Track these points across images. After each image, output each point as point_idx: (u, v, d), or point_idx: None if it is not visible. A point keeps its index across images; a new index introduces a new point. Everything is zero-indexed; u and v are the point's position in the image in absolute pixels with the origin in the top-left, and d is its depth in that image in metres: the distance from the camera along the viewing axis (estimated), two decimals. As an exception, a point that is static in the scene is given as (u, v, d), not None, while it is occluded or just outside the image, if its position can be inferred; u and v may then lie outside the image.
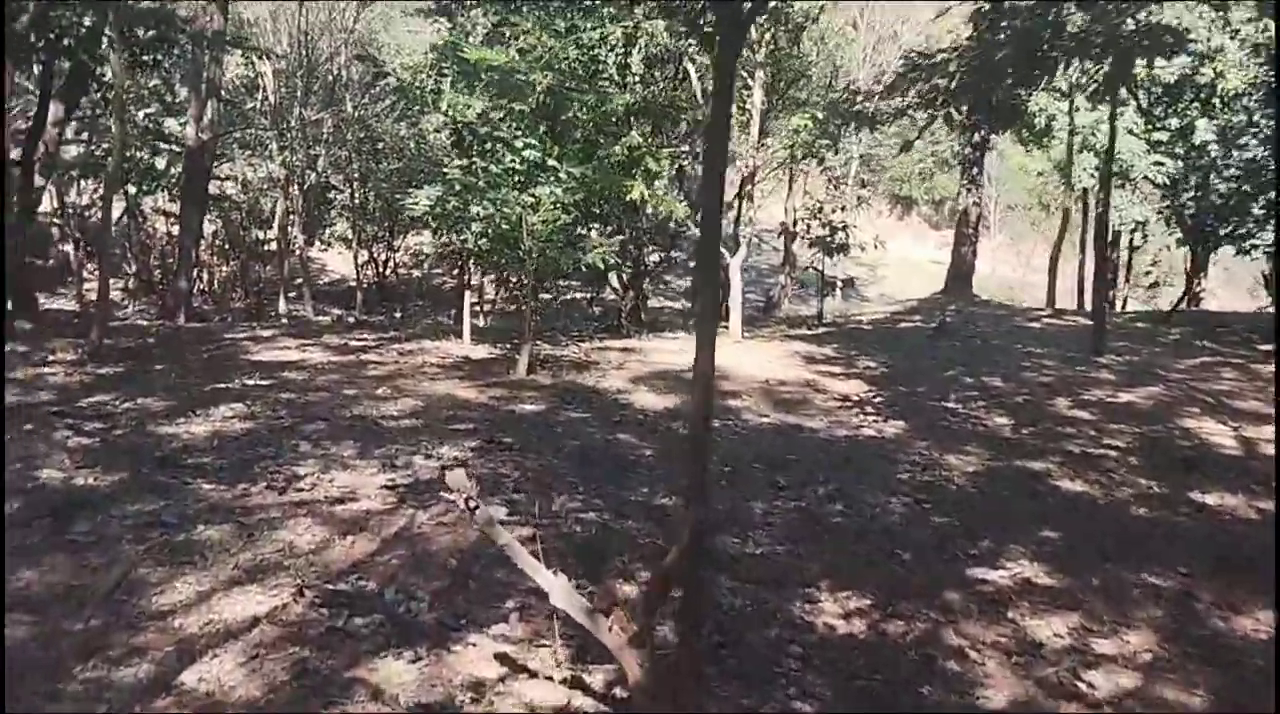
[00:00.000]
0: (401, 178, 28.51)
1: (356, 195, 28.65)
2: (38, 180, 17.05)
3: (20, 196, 14.91)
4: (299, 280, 29.32)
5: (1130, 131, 21.92)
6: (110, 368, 10.68)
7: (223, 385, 10.16)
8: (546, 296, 12.64)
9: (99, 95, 20.76)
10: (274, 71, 27.92)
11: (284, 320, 27.50)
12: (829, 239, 18.02)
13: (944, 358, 14.52)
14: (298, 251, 29.12)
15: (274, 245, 31.16)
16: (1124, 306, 28.87)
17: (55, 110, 16.90)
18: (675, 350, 14.25)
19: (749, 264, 19.59)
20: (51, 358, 10.97)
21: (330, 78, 27.94)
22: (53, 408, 8.75)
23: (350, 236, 30.67)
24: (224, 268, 32.02)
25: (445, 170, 12.24)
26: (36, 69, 16.61)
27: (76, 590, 5.31)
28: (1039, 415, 10.94)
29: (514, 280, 12.39)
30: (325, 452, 7.92)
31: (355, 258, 30.82)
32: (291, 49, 26.31)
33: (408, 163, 29.12)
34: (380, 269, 31.37)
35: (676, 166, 15.93)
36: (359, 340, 13.96)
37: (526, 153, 12.03)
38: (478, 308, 25.73)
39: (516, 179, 11.72)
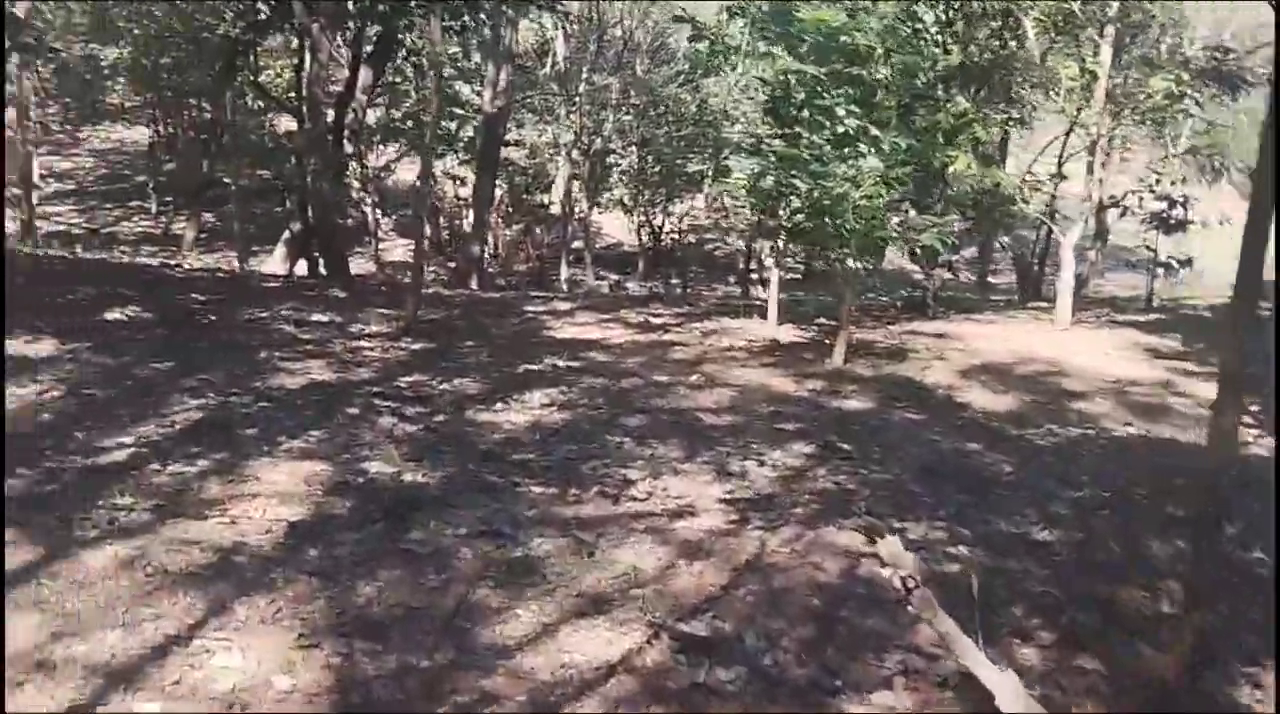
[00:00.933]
0: (683, 143, 28.24)
1: (636, 160, 28.49)
2: (347, 147, 17.49)
3: (330, 160, 15.21)
4: (576, 244, 29.51)
5: None
6: (422, 343, 10.53)
7: (533, 366, 9.79)
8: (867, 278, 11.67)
9: (402, 61, 21.28)
10: (564, 36, 28.01)
11: (564, 285, 27.83)
12: (1167, 215, 16.10)
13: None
14: (580, 216, 29.27)
15: (555, 209, 31.53)
16: None
17: (365, 77, 17.24)
18: (994, 336, 12.99)
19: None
20: (366, 331, 10.96)
21: (620, 42, 27.69)
22: (373, 388, 8.56)
23: (628, 202, 30.66)
24: (508, 232, 32.73)
25: (763, 142, 11.42)
26: (348, 35, 16.84)
27: (417, 613, 4.86)
28: None
29: (831, 258, 11.29)
30: (652, 451, 7.31)
31: (639, 224, 30.73)
32: (585, 10, 26.17)
33: (692, 128, 28.79)
34: (656, 234, 31.21)
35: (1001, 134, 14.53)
36: (657, 317, 13.44)
37: (849, 121, 11.07)
38: (755, 277, 25.09)
39: (841, 151, 10.78)
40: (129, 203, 34.11)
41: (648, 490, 6.56)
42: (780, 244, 12.57)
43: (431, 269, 28.96)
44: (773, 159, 11.42)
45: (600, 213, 31.13)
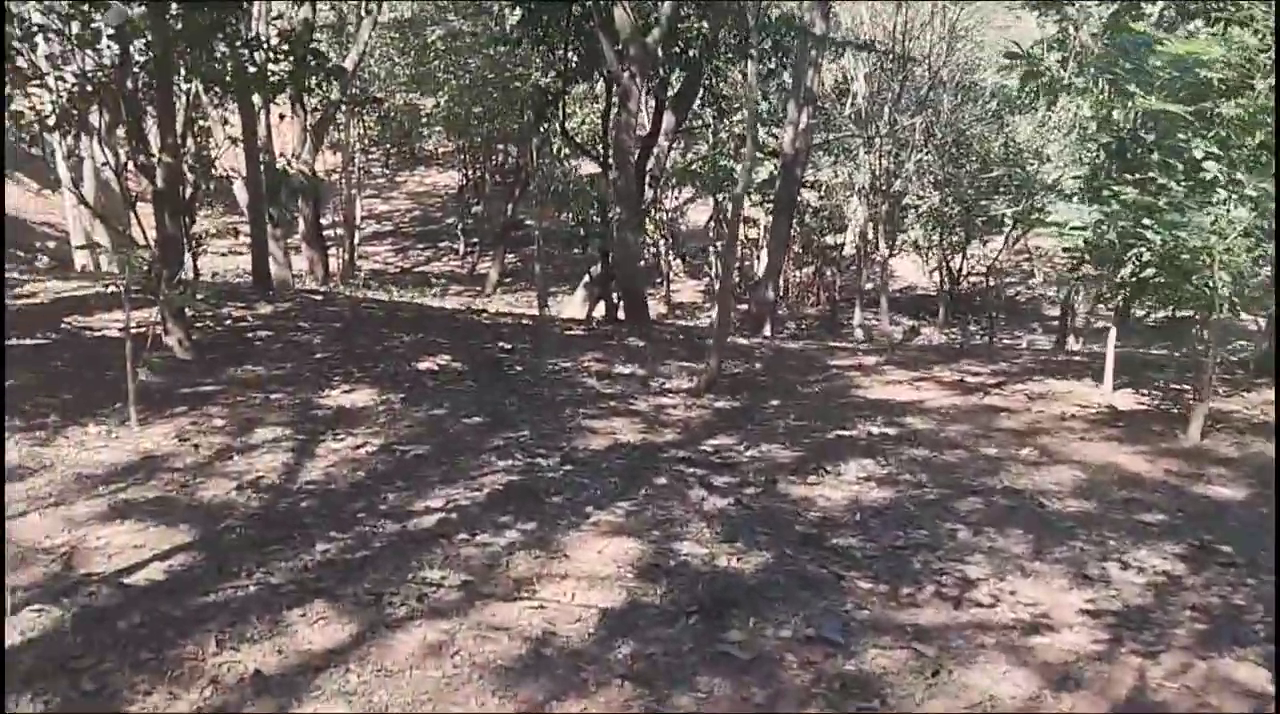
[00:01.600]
0: (986, 183, 26.80)
1: (936, 201, 27.31)
2: (648, 192, 17.45)
3: (635, 209, 15.11)
4: (869, 286, 28.53)
5: None
6: (725, 401, 10.08)
7: (845, 431, 9.11)
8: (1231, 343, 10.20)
9: (702, 106, 21.20)
10: (865, 75, 27.28)
11: (858, 330, 26.93)
12: None
13: None
14: (878, 259, 28.34)
15: (848, 250, 30.69)
16: None
17: (668, 121, 17.16)
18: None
19: None
20: (667, 385, 10.62)
21: (925, 78, 26.66)
22: (679, 452, 8.13)
23: (924, 243, 29.46)
24: (798, 274, 32.20)
25: (1112, 188, 10.25)
26: (653, 81, 16.79)
27: (739, 734, 4.29)
28: None
29: (1190, 314, 9.99)
30: (992, 544, 6.45)
31: (936, 267, 29.48)
32: (889, 47, 25.37)
33: (999, 168, 27.33)
34: (954, 277, 29.82)
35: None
36: (974, 376, 12.41)
37: (1209, 164, 9.77)
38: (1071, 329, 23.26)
39: (1199, 198, 9.50)
40: (439, 243, 36.04)
41: (992, 594, 5.72)
42: (1119, 302, 11.27)
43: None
44: (1116, 207, 10.25)
45: (894, 256, 30.06)
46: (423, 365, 10.25)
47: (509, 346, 11.69)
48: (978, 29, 29.72)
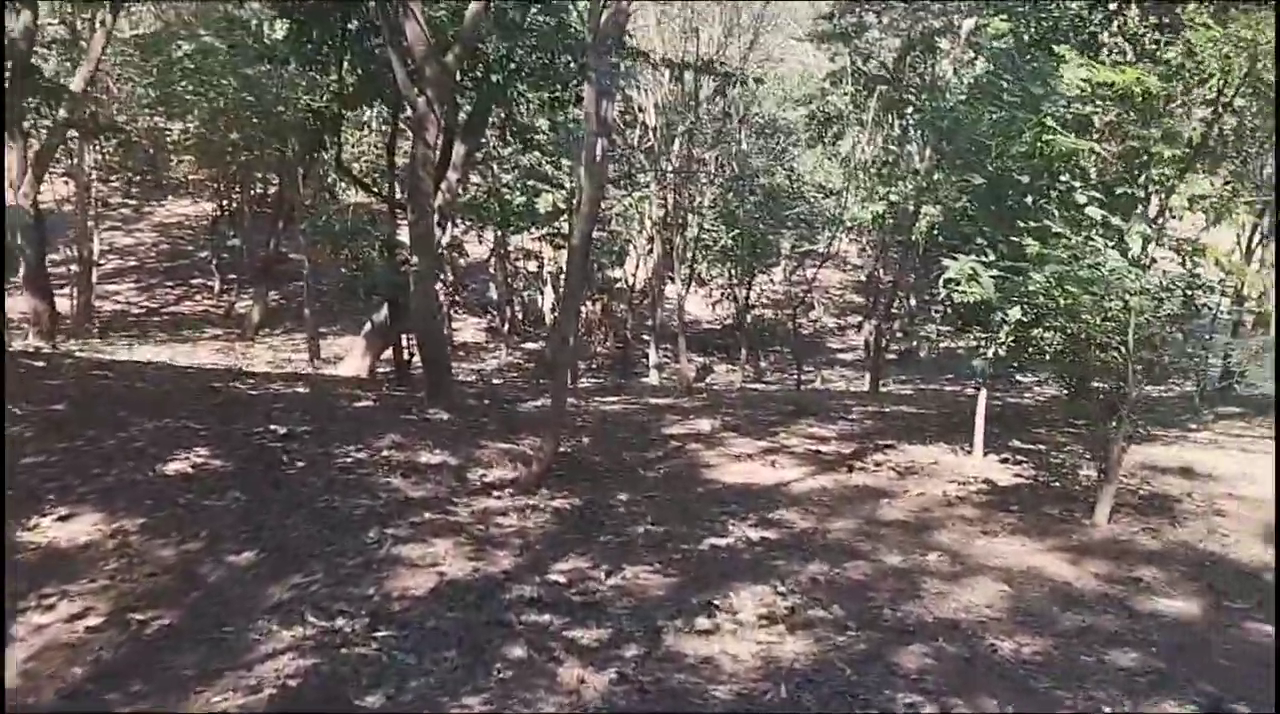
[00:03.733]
0: (769, 216, 26.11)
1: (723, 235, 26.42)
2: (438, 231, 15.43)
3: (434, 260, 13.04)
4: (649, 322, 27.26)
5: None
6: (563, 497, 8.23)
7: (720, 538, 7.45)
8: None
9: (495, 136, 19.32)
10: (655, 106, 26.06)
11: (653, 370, 25.56)
12: None
13: None
14: (670, 294, 27.18)
15: (637, 285, 29.30)
16: None
17: (459, 152, 15.20)
18: (1253, 470, 10.41)
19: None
20: (488, 477, 8.68)
21: (722, 114, 25.68)
22: (526, 590, 6.23)
23: (708, 277, 28.62)
24: (585, 309, 30.56)
25: (992, 235, 9.08)
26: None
27: None
28: None
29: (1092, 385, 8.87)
30: (964, 727, 4.89)
31: (720, 300, 28.73)
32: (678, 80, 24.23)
33: (787, 201, 26.75)
34: (743, 310, 28.99)
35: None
36: (822, 440, 11.04)
37: (1091, 210, 8.74)
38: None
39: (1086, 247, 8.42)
40: (191, 280, 32.46)
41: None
42: (991, 358, 10.09)
43: (509, 355, 26.99)
44: (990, 257, 9.10)
45: (687, 292, 28.99)
46: (171, 467, 7.87)
47: (284, 430, 9.42)
48: (770, 63, 29.23)
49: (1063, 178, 9.18)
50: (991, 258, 9.21)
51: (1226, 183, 11.68)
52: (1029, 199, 9.44)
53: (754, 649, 5.57)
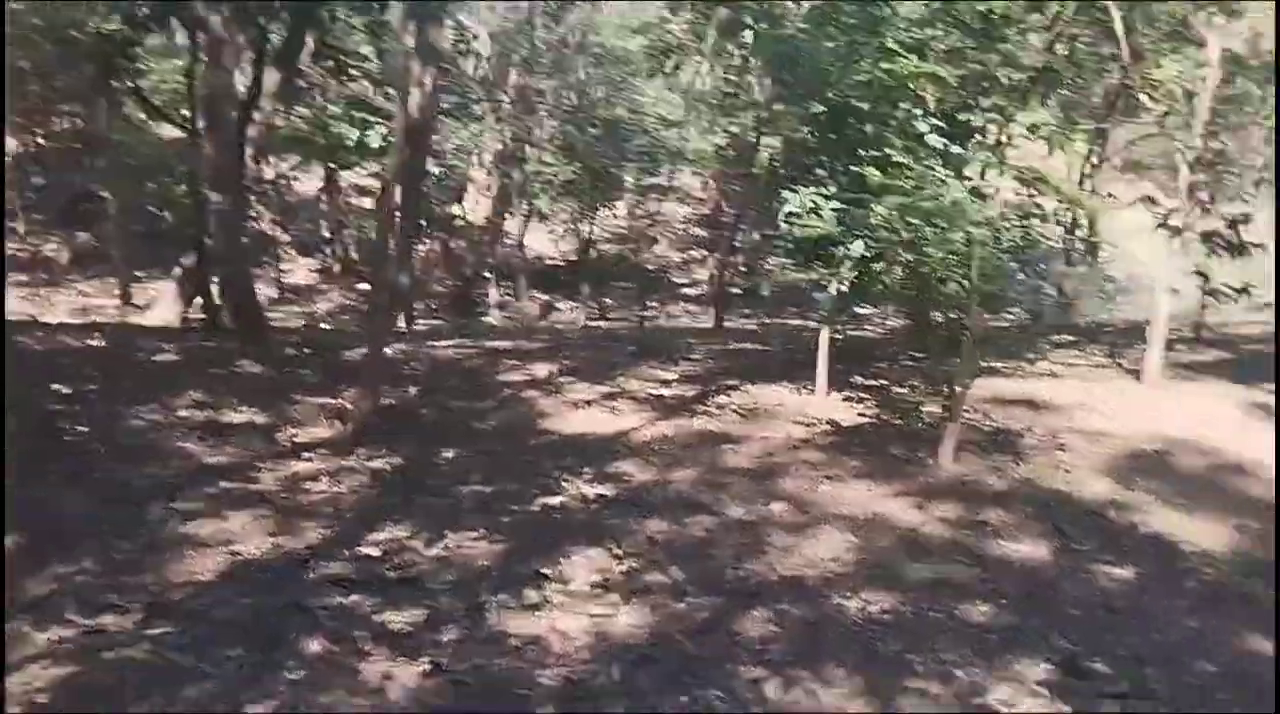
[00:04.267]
0: (611, 149, 25.49)
1: (564, 168, 25.70)
2: (250, 164, 14.34)
3: (239, 196, 12.01)
4: (489, 260, 26.44)
5: None
6: (383, 457, 7.56)
7: (553, 496, 6.91)
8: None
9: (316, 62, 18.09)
10: (488, 34, 24.98)
11: (494, 310, 24.80)
12: (1228, 237, 13.72)
13: None
14: (509, 231, 26.37)
15: (476, 222, 28.33)
16: None
17: (271, 80, 14.06)
18: (1089, 401, 10.45)
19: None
20: (300, 437, 7.93)
21: (559, 42, 24.76)
22: (333, 568, 5.58)
23: (545, 211, 27.88)
24: (423, 247, 29.46)
25: (835, 166, 8.68)
26: (250, 32, 13.53)
27: None
28: None
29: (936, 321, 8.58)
30: (810, 692, 4.50)
31: (564, 235, 28.14)
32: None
33: (624, 133, 26.15)
34: (587, 247, 28.40)
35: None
36: (664, 383, 10.61)
37: (932, 139, 8.40)
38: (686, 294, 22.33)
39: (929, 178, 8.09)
40: (-8, 223, 29.87)
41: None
42: (835, 295, 9.74)
43: (344, 297, 25.76)
44: (832, 189, 8.73)
45: (527, 228, 28.21)
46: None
47: (68, 390, 8.44)
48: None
49: (903, 105, 8.82)
50: (833, 190, 8.86)
51: (1066, 111, 11.63)
52: (869, 128, 9.08)
53: (586, 624, 5.07)
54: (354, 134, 22.12)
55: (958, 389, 8.11)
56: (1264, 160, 14.45)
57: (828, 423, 9.19)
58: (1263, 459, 8.57)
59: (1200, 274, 15.02)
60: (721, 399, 9.96)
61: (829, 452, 8.32)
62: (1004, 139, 9.52)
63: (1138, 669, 4.83)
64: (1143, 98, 11.28)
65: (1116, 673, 4.78)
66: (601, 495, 6.98)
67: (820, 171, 9.01)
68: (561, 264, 29.82)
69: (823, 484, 7.48)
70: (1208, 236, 13.62)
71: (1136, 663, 4.90)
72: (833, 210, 8.46)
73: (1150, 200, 12.12)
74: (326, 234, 28.48)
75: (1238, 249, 13.94)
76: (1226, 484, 7.92)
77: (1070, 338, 15.12)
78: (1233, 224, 13.73)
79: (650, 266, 30.65)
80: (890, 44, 8.16)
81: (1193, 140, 11.24)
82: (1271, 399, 11.03)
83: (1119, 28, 10.78)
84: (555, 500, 6.86)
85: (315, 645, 4.63)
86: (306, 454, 7.53)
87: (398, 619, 5.00)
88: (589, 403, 9.62)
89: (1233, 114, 12.30)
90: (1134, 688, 4.66)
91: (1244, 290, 14.72)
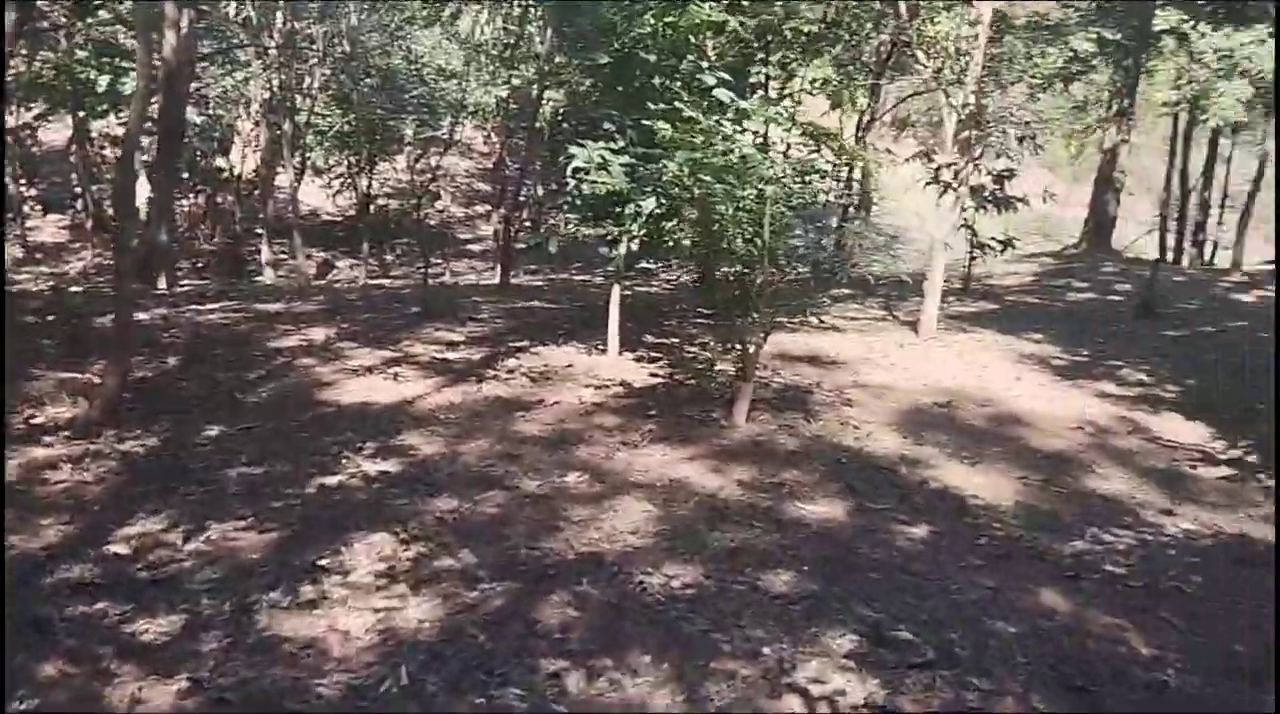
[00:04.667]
0: (388, 100, 24.49)
1: (338, 119, 24.53)
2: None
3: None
4: (261, 216, 25.04)
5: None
6: (136, 439, 6.84)
7: (332, 476, 6.39)
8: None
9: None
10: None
11: (267, 268, 23.54)
12: (993, 191, 14.26)
13: (1205, 360, 11.06)
14: (282, 185, 24.98)
15: (240, 173, 26.75)
16: (1211, 256, 25.79)
17: (9, 19, 12.60)
18: (871, 355, 10.65)
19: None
20: (39, 419, 7.09)
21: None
22: (75, 571, 4.93)
23: (321, 164, 26.62)
24: (187, 202, 27.65)
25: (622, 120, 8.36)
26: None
27: None
28: None
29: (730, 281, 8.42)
30: (619, 691, 4.23)
31: (339, 190, 26.94)
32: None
33: (401, 84, 25.16)
34: (366, 201, 27.30)
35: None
36: (451, 346, 10.14)
37: (720, 92, 8.18)
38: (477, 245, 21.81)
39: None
40: None
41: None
42: (623, 253, 9.48)
43: (97, 255, 23.84)
44: (620, 143, 8.43)
45: (299, 181, 26.80)
46: None
47: None
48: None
49: (689, 58, 8.61)
50: (621, 144, 8.55)
51: (843, 67, 11.69)
52: (656, 81, 8.81)
53: (370, 621, 4.64)
54: (104, 80, 20.31)
55: (750, 348, 8.00)
56: (1029, 117, 15.10)
57: (621, 385, 8.95)
58: (1036, 408, 8.90)
59: (969, 228, 15.62)
60: (511, 362, 9.58)
61: (623, 415, 8.08)
62: (789, 94, 9.47)
63: (941, 634, 4.78)
64: (919, 54, 11.42)
65: (921, 640, 4.71)
66: (384, 473, 6.51)
67: (608, 125, 8.67)
68: (339, 220, 28.52)
69: (619, 451, 7.23)
70: (976, 191, 14.06)
71: (939, 627, 4.86)
72: (622, 166, 8.15)
73: (926, 156, 12.35)
74: (76, 189, 26.24)
75: (1004, 204, 14.52)
76: (1005, 435, 8.13)
77: (848, 292, 15.45)
78: (999, 179, 14.28)
79: (433, 222, 29.72)
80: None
81: (965, 97, 11.52)
82: (1038, 347, 11.57)
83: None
84: (333, 480, 6.35)
85: (50, 669, 4.03)
86: (46, 438, 6.72)
87: (151, 629, 4.45)
88: (370, 370, 9.05)
89: (1003, 71, 12.65)
90: (939, 655, 4.60)
91: (1009, 243, 15.39)
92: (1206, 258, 25.70)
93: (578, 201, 9.62)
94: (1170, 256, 24.05)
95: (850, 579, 5.36)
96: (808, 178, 8.37)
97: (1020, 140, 16.41)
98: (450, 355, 9.80)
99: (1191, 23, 18.41)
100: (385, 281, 23.06)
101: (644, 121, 8.07)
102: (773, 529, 5.97)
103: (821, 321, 10.34)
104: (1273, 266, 21.11)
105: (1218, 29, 18.96)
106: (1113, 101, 21.08)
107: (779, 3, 8.78)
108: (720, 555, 5.56)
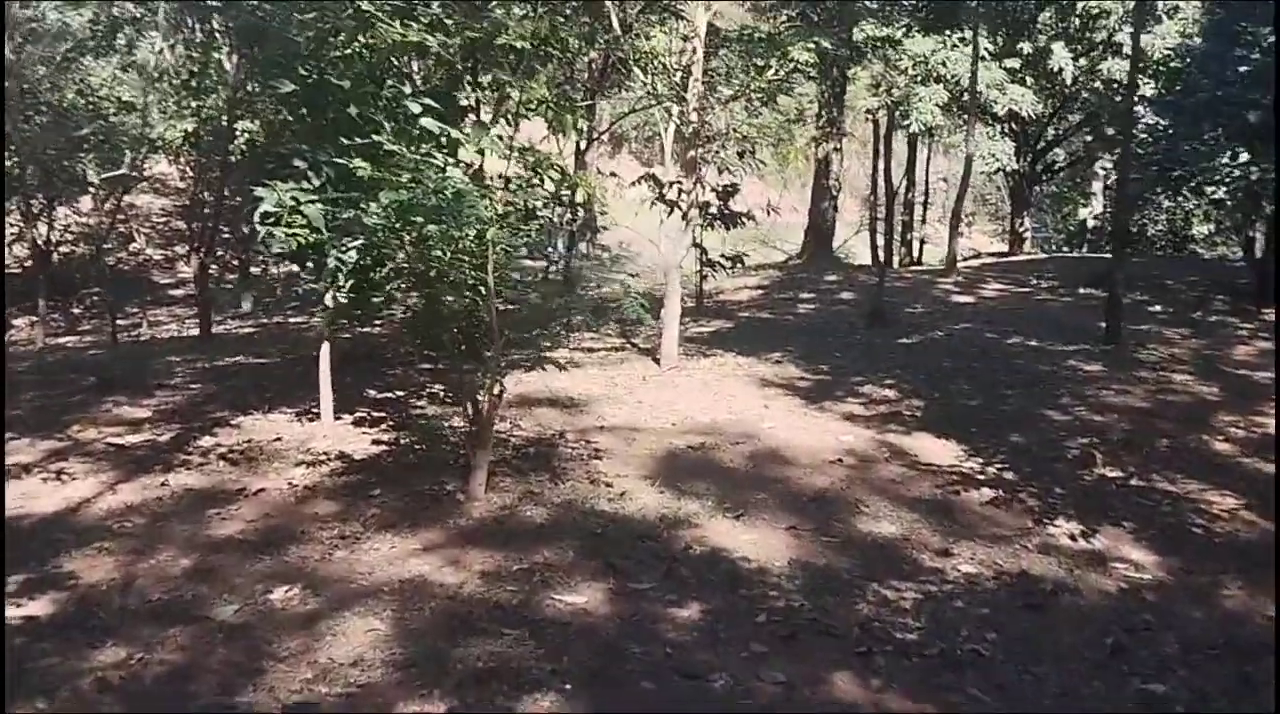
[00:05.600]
0: (62, 138, 22.07)
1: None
2: None
3: None
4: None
5: (984, 57, 19.13)
6: None
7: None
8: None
9: None
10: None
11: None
12: (719, 208, 13.94)
13: (941, 367, 11.08)
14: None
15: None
16: (919, 256, 27.12)
17: None
18: (615, 393, 9.98)
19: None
20: None
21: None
22: None
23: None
24: None
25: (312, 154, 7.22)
26: None
27: None
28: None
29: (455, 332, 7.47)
30: None
31: (15, 238, 24.02)
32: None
33: (78, 120, 22.72)
34: (41, 251, 24.48)
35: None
36: (137, 429, 8.66)
37: (427, 121, 7.22)
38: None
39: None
40: None
41: None
42: (330, 302, 8.29)
43: None
44: (316, 182, 7.32)
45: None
46: None
47: None
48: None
49: (390, 83, 7.61)
50: (318, 183, 7.44)
51: (559, 86, 10.99)
52: (354, 110, 7.73)
53: None
54: None
55: (482, 408, 7.07)
56: (748, 132, 14.92)
57: (339, 458, 7.81)
58: (792, 440, 8.43)
59: (698, 247, 15.29)
60: (206, 441, 8.24)
61: (342, 499, 6.97)
62: (504, 117, 8.60)
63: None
64: (636, 71, 10.85)
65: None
66: (30, 620, 5.15)
67: (299, 162, 7.52)
68: (18, 273, 25.44)
69: (338, 548, 6.13)
70: (703, 209, 13.68)
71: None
72: (319, 210, 7.04)
73: (653, 178, 11.81)
74: None
75: (731, 220, 14.23)
76: (767, 476, 7.57)
77: (581, 318, 14.78)
78: (724, 195, 13.97)
79: (127, 267, 27.04)
80: (365, 6, 6.86)
81: (687, 114, 11.06)
82: (780, 368, 11.24)
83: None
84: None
85: None
86: None
87: None
88: (26, 469, 7.51)
89: (720, 86, 12.31)
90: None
91: (738, 260, 15.14)
92: (915, 256, 26.91)
93: (272, 251, 8.40)
94: (881, 256, 24.97)
95: (622, 695, 4.53)
96: (532, 215, 7.53)
97: (741, 155, 16.31)
98: (132, 438, 8.35)
99: (891, 32, 19.02)
100: (71, 339, 20.58)
101: (341, 158, 7.02)
102: (527, 635, 5.06)
103: (561, 366, 9.56)
104: (980, 262, 22.19)
105: (912, 36, 19.68)
106: (822, 111, 21.55)
107: (485, 19, 7.83)
108: (467, 681, 4.61)
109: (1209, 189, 14.10)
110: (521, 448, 8.15)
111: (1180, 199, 23.33)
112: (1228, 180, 13.82)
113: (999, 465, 7.93)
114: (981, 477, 7.67)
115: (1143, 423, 8.99)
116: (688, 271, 15.26)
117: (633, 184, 12.04)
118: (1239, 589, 5.76)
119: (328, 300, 8.26)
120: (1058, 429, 8.91)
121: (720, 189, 13.94)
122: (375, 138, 6.83)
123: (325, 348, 8.52)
